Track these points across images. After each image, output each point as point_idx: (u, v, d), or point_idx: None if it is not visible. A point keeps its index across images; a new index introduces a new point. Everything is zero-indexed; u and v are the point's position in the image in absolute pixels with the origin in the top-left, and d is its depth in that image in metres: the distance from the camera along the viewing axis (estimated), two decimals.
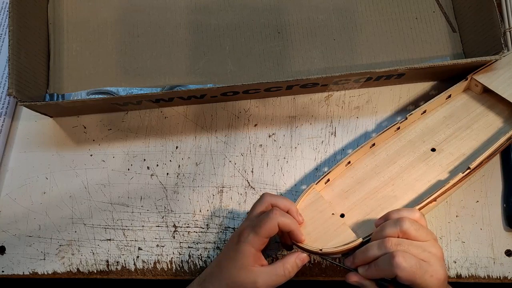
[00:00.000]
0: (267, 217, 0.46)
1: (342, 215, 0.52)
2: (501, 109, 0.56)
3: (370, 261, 0.45)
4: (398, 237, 0.44)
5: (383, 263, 0.43)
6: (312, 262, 0.56)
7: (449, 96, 0.57)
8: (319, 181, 0.52)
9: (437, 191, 0.49)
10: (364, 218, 0.51)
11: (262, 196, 0.49)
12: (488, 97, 0.57)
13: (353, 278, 0.46)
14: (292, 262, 0.47)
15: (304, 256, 0.47)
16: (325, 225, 0.50)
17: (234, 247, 0.47)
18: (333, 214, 0.51)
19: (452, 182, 0.49)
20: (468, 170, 0.50)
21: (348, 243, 0.47)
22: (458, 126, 0.56)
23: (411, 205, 0.51)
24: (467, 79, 0.56)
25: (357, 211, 0.52)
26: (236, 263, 0.46)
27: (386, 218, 0.47)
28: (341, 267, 0.49)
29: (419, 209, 0.48)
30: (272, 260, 0.55)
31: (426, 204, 0.49)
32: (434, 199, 0.49)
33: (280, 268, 0.46)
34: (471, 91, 0.58)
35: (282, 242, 0.52)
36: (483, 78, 0.56)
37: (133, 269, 0.57)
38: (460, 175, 0.49)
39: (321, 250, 0.47)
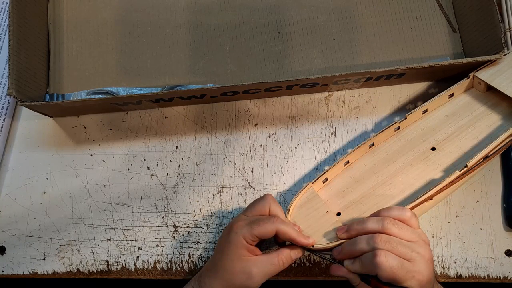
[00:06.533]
0: (268, 220, 0.46)
1: (339, 214, 0.52)
2: (505, 107, 0.55)
3: (357, 255, 0.45)
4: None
5: (366, 260, 0.44)
6: (312, 262, 0.56)
7: (452, 95, 0.57)
8: (316, 180, 0.53)
9: (431, 190, 0.48)
10: (359, 216, 0.51)
11: (265, 197, 0.49)
12: (492, 95, 0.56)
13: (337, 271, 0.47)
14: (287, 254, 0.47)
15: (298, 249, 0.48)
16: (319, 222, 0.50)
17: (226, 237, 0.47)
18: (327, 212, 0.51)
19: (448, 180, 0.49)
20: (466, 168, 0.49)
21: (340, 240, 0.47)
22: (460, 124, 0.55)
23: (406, 203, 0.50)
24: (469, 77, 0.56)
25: (353, 210, 0.52)
26: (229, 253, 0.46)
27: (376, 215, 0.47)
28: (328, 260, 0.50)
29: (412, 207, 0.48)
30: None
31: (420, 203, 0.49)
32: (430, 198, 0.49)
33: (275, 258, 0.46)
34: (475, 90, 0.57)
35: (275, 239, 0.52)
36: (486, 76, 0.55)
37: (133, 269, 0.57)
38: (457, 173, 0.49)
39: (312, 246, 0.47)
